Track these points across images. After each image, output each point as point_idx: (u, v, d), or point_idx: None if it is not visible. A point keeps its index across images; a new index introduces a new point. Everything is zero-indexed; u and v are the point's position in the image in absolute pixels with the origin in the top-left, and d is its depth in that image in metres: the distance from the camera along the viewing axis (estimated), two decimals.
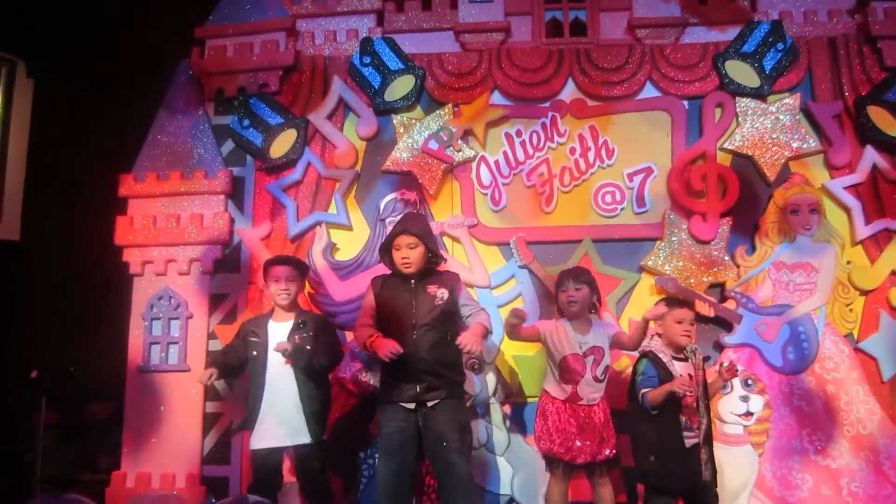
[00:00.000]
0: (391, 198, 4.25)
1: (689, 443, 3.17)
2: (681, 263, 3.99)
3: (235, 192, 4.35)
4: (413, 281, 3.33)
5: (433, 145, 4.22)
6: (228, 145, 4.42)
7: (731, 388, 3.78)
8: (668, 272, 3.98)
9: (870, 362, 3.85)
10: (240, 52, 4.45)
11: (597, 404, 3.38)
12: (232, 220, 4.30)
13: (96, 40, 4.59)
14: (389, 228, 4.22)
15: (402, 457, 3.23)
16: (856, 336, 3.89)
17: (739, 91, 4.10)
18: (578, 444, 3.30)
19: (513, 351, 4.00)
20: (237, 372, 3.68)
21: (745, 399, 3.78)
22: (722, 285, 3.99)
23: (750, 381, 3.81)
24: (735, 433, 3.76)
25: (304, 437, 3.41)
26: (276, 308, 3.64)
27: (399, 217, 4.18)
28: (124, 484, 4.08)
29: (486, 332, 3.24)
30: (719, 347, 3.92)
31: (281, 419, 3.42)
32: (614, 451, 3.38)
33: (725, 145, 4.09)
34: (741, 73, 4.11)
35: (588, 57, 4.23)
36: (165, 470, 4.07)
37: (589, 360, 3.39)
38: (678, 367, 3.26)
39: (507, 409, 3.97)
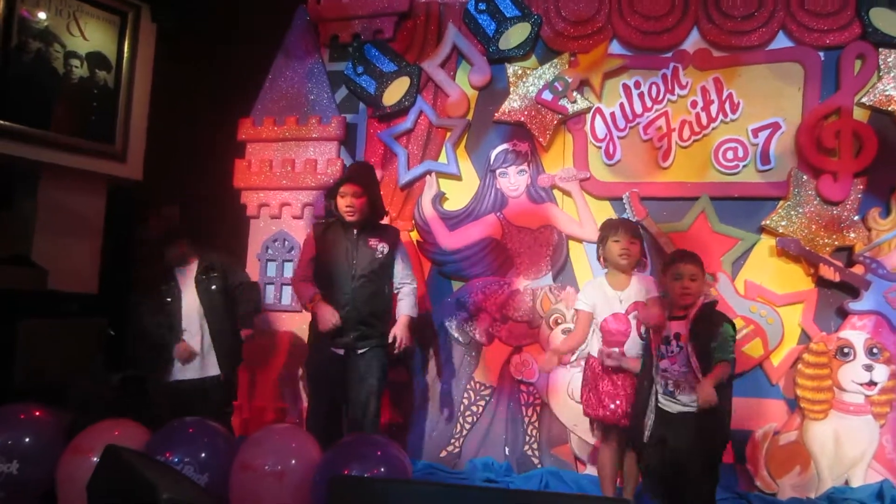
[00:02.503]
0: (502, 148, 4.18)
1: (670, 408, 2.84)
2: (806, 225, 3.75)
3: (348, 139, 4.39)
4: (355, 231, 3.38)
5: (547, 96, 4.09)
6: (342, 92, 4.44)
7: (855, 356, 3.60)
8: (791, 234, 3.78)
9: None
10: None
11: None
12: (345, 167, 4.35)
13: None
14: (500, 179, 4.20)
15: (329, 398, 3.41)
16: None
17: (885, 42, 3.74)
18: (626, 408, 3.08)
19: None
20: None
21: (868, 368, 3.58)
22: (850, 249, 3.74)
23: (875, 350, 3.61)
24: (855, 402, 3.58)
25: (214, 370, 3.64)
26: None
27: (508, 167, 4.15)
28: (241, 414, 4.29)
29: (413, 321, 3.47)
30: (843, 314, 3.71)
31: (197, 353, 3.64)
32: None
33: (864, 100, 3.76)
34: (889, 21, 3.74)
35: (716, 3, 3.95)
36: (278, 404, 4.25)
37: (632, 317, 3.14)
38: (672, 327, 2.92)
39: None
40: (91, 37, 4.63)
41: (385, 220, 3.73)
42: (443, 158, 4.26)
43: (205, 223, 4.44)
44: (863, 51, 3.80)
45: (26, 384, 3.88)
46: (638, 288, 3.20)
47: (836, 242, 3.74)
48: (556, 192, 4.10)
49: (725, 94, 3.95)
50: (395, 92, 4.29)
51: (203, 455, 3.09)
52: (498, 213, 4.18)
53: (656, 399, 2.89)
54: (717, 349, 2.78)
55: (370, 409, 3.36)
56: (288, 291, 4.36)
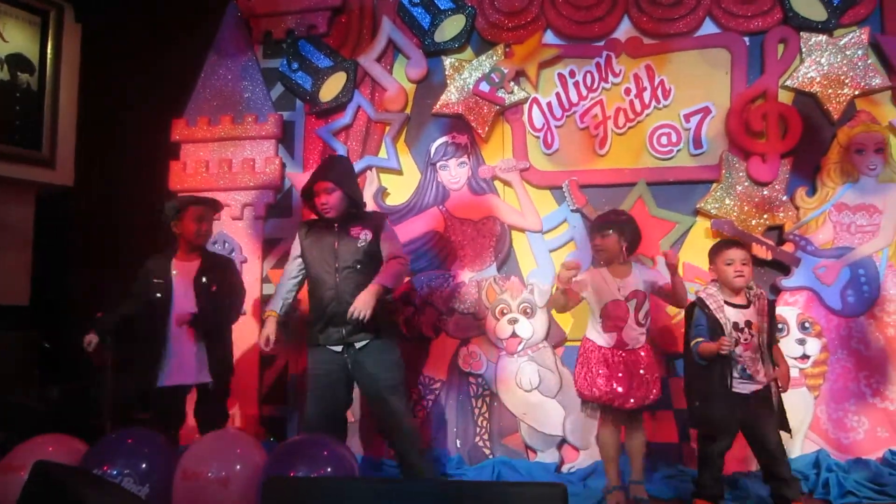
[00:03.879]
0: (442, 141, 4.18)
1: (745, 389, 3.04)
2: (738, 206, 3.87)
3: (286, 137, 4.32)
4: (337, 224, 3.29)
5: (484, 87, 4.10)
6: (278, 89, 4.36)
7: (788, 332, 3.73)
8: (724, 215, 3.88)
9: None
10: None
11: (641, 347, 3.28)
12: (283, 165, 4.29)
13: None
14: (440, 172, 4.19)
15: (331, 398, 3.23)
16: None
17: (805, 25, 3.88)
18: (628, 389, 3.21)
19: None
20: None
21: (801, 342, 3.72)
22: (780, 228, 3.86)
23: (807, 325, 3.74)
24: (790, 376, 3.71)
25: (206, 377, 3.46)
26: (182, 247, 3.56)
27: (448, 160, 4.15)
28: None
29: (384, 291, 3.17)
30: (776, 290, 3.83)
31: (185, 358, 3.44)
32: (659, 394, 3.29)
33: (788, 83, 3.89)
34: (807, 5, 3.88)
35: None
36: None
37: (631, 304, 3.27)
38: (731, 314, 3.10)
39: (560, 352, 3.97)
40: (11, 38, 4.43)
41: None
42: (383, 153, 4.23)
43: (140, 228, 4.30)
44: (785, 35, 3.92)
45: None
46: (638, 278, 3.32)
47: (767, 222, 3.86)
48: (497, 183, 4.11)
49: (657, 80, 4.03)
50: (331, 88, 4.24)
51: (143, 466, 2.99)
52: (440, 206, 4.17)
53: (732, 381, 3.03)
54: (774, 334, 3.16)
55: (392, 406, 3.19)
56: None
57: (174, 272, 3.48)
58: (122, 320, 3.52)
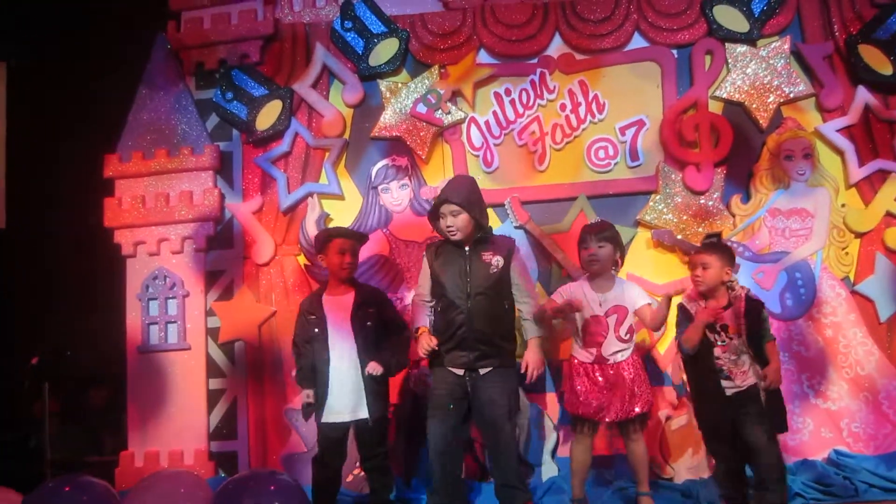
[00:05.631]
0: (382, 164, 4.15)
1: (728, 391, 3.06)
2: (676, 216, 3.93)
3: (224, 167, 4.24)
4: (467, 248, 3.24)
5: (421, 109, 4.10)
6: (213, 120, 4.28)
7: None
8: (664, 225, 3.95)
9: (867, 304, 3.82)
10: (217, 23, 4.27)
11: (625, 360, 3.29)
12: (222, 196, 4.20)
13: (66, 17, 4.43)
14: (382, 196, 4.18)
15: (453, 418, 3.21)
16: (852, 279, 3.85)
17: (728, 37, 3.97)
18: (607, 401, 3.23)
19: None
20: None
21: None
22: (718, 235, 3.92)
23: None
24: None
25: (364, 413, 3.34)
26: (332, 282, 3.49)
27: (390, 183, 4.17)
28: (133, 463, 4.06)
29: (543, 341, 3.31)
30: None
31: (344, 393, 3.35)
32: (646, 408, 3.29)
33: (717, 93, 3.97)
34: (730, 17, 3.98)
35: (573, 9, 4.08)
36: (173, 447, 4.05)
37: (611, 319, 3.28)
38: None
39: None
40: None
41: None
42: (323, 179, 4.17)
43: (75, 266, 4.23)
44: (711, 47, 4.01)
45: None
46: (620, 293, 3.31)
47: (705, 230, 3.88)
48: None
49: (591, 95, 4.08)
50: (267, 116, 4.18)
51: None
52: (384, 230, 4.14)
53: (719, 384, 3.06)
54: (765, 334, 3.11)
55: (503, 433, 3.15)
56: (174, 329, 4.15)
57: (326, 307, 3.42)
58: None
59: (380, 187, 4.17)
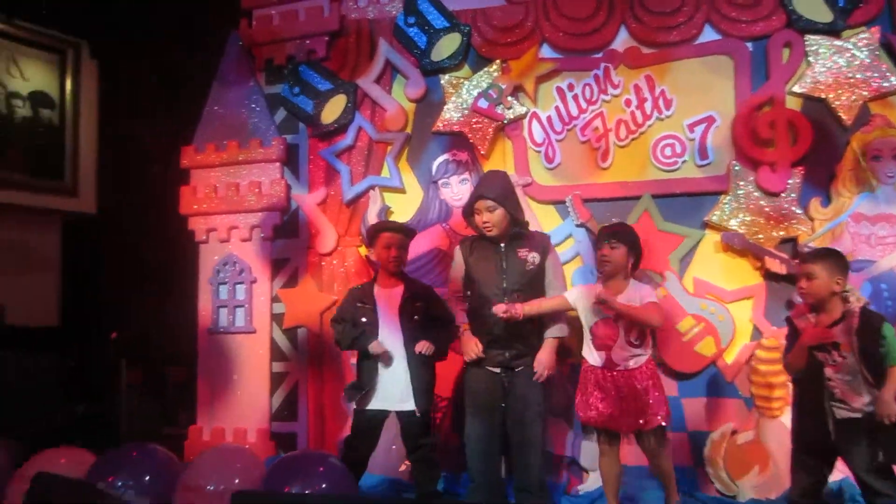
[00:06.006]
0: (443, 159, 4.16)
1: (839, 414, 2.77)
2: (748, 218, 3.70)
3: (290, 160, 4.37)
4: (503, 245, 3.19)
5: (483, 104, 4.08)
6: (281, 113, 4.42)
7: None
8: (734, 227, 3.74)
9: None
10: (286, 20, 4.39)
11: (637, 369, 3.08)
12: (289, 187, 4.34)
13: (150, 17, 4.71)
14: (442, 190, 4.21)
15: (490, 415, 3.18)
16: None
17: (810, 28, 3.70)
18: (618, 411, 3.06)
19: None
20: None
21: None
22: (794, 240, 3.66)
23: None
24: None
25: (410, 405, 3.35)
26: (381, 274, 3.49)
27: (450, 177, 4.19)
28: (200, 437, 4.30)
29: (561, 343, 3.21)
30: (792, 306, 3.66)
31: (390, 384, 3.36)
32: (663, 420, 3.07)
33: (795, 88, 3.71)
34: (811, 7, 3.69)
35: (640, 2, 3.91)
36: (238, 425, 4.25)
37: (621, 323, 3.07)
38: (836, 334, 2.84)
39: (565, 371, 3.92)
40: (31, 77, 4.70)
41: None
42: (385, 173, 4.22)
43: (158, 250, 4.51)
44: (789, 39, 3.74)
45: None
46: (631, 295, 3.12)
47: (780, 234, 3.68)
48: None
49: (658, 90, 3.90)
50: (332, 110, 4.27)
51: (146, 478, 3.14)
52: (444, 224, 4.15)
53: (830, 406, 2.79)
54: (887, 356, 2.73)
55: (532, 430, 3.12)
56: (241, 313, 4.36)
57: (377, 299, 3.45)
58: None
59: (440, 182, 4.19)
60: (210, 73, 4.47)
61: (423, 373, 3.37)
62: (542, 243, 3.26)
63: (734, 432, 3.63)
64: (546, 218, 4.02)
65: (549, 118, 4.06)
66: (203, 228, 4.43)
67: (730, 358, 3.72)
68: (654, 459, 3.15)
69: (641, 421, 3.06)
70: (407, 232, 3.56)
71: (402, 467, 4.01)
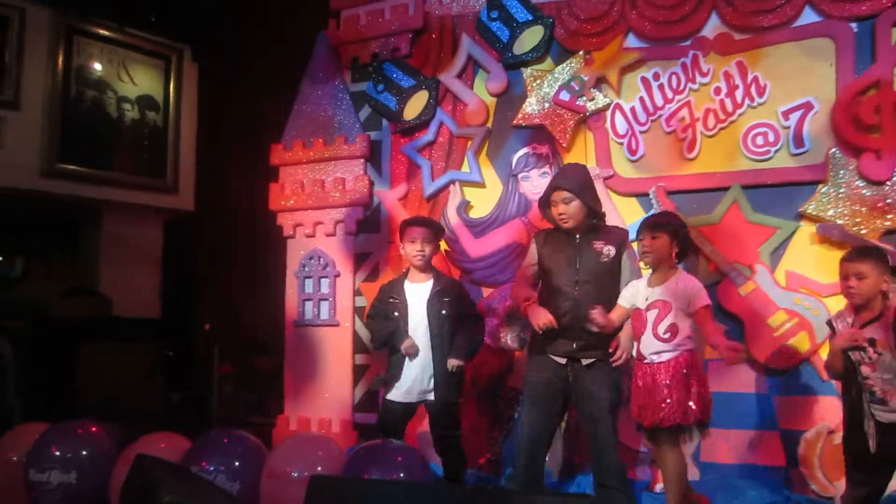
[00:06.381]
0: (523, 152, 4.14)
1: (882, 417, 2.64)
2: (848, 208, 3.48)
3: (373, 156, 4.47)
4: (578, 236, 3.14)
5: (565, 96, 4.03)
6: (365, 111, 4.53)
7: None
8: (831, 218, 3.52)
9: None
10: (372, 19, 4.51)
11: (662, 364, 2.94)
12: (371, 183, 4.43)
13: (246, 22, 4.97)
14: (522, 184, 4.19)
15: (546, 408, 3.12)
16: None
17: None
18: (644, 404, 2.96)
19: None
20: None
21: None
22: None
23: None
24: None
25: (431, 397, 3.41)
26: (411, 269, 3.55)
27: (530, 171, 4.18)
28: (287, 426, 4.43)
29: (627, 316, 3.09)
30: None
31: (418, 376, 3.42)
32: (677, 419, 2.89)
33: None
34: None
35: None
36: (322, 415, 4.37)
37: (651, 314, 2.97)
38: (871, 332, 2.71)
39: None
40: (139, 81, 5.06)
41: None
42: (465, 167, 4.25)
43: (254, 245, 4.72)
44: None
45: (88, 401, 4.25)
46: (669, 287, 3.01)
47: (885, 224, 3.43)
48: None
49: (750, 77, 3.74)
50: (414, 106, 4.34)
51: (236, 464, 3.27)
52: (523, 218, 4.12)
53: (869, 407, 2.69)
54: None
55: (604, 428, 3.05)
56: (326, 306, 4.50)
57: (407, 293, 3.50)
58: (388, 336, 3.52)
59: (520, 175, 4.17)
60: (300, 74, 4.65)
61: (447, 368, 3.39)
62: (620, 237, 3.19)
63: (830, 432, 3.42)
64: (628, 211, 3.93)
65: (632, 109, 3.97)
66: (290, 224, 4.60)
67: (825, 354, 3.50)
68: (660, 457, 3.03)
69: (660, 416, 2.93)
70: (434, 227, 3.60)
71: (482, 460, 4.01)
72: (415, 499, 1.91)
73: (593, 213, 3.17)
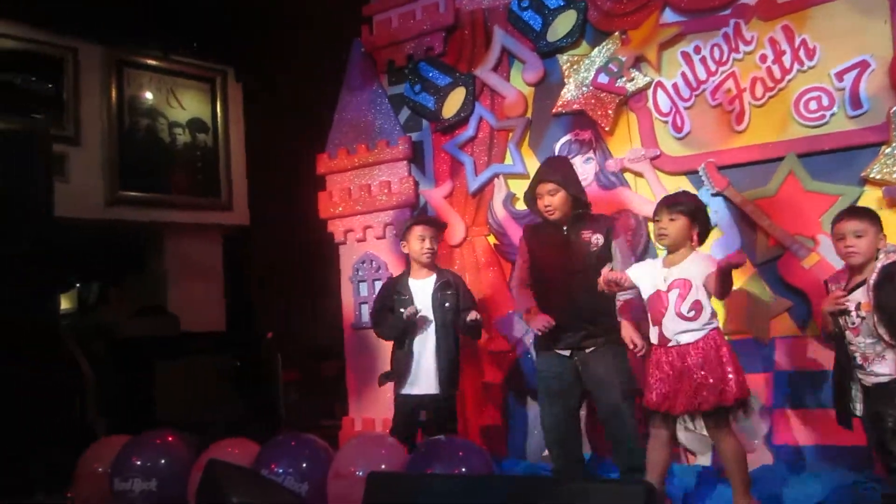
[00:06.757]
0: (565, 140, 4.08)
1: (866, 380, 2.65)
2: None
3: (416, 156, 4.50)
4: (566, 227, 3.19)
5: (603, 79, 3.95)
6: (405, 112, 4.56)
7: None
8: None
9: None
10: (403, 21, 4.53)
11: (692, 344, 2.85)
12: (416, 183, 4.47)
13: (282, 38, 5.09)
14: None
15: (563, 400, 3.19)
16: None
17: None
18: (672, 390, 2.85)
19: None
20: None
21: None
22: None
23: None
24: None
25: (436, 389, 3.53)
26: (415, 266, 3.67)
27: (573, 158, 4.12)
28: (353, 428, 4.52)
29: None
30: None
31: (424, 370, 3.55)
32: (721, 400, 2.79)
33: None
34: None
35: None
36: (386, 416, 4.35)
37: (672, 294, 2.89)
38: (855, 294, 2.70)
39: None
40: (188, 105, 5.26)
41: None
42: (508, 160, 4.22)
43: (309, 254, 4.84)
44: None
45: (164, 414, 4.47)
46: (688, 266, 2.95)
47: None
48: (627, 174, 3.95)
49: (798, 40, 3.56)
50: (452, 103, 4.35)
51: (303, 466, 3.37)
52: None
53: (854, 372, 2.72)
54: None
55: (620, 413, 3.10)
56: None
57: (412, 288, 3.64)
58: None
59: None
60: (339, 83, 4.74)
61: (449, 355, 3.52)
62: (607, 225, 3.23)
63: None
64: (678, 189, 3.83)
65: (674, 85, 3.86)
66: (341, 230, 4.69)
67: None
68: (718, 444, 2.92)
69: (697, 401, 2.82)
70: (438, 225, 3.79)
71: (545, 452, 3.99)
72: (472, 492, 1.93)
73: (579, 202, 3.21)
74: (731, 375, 2.82)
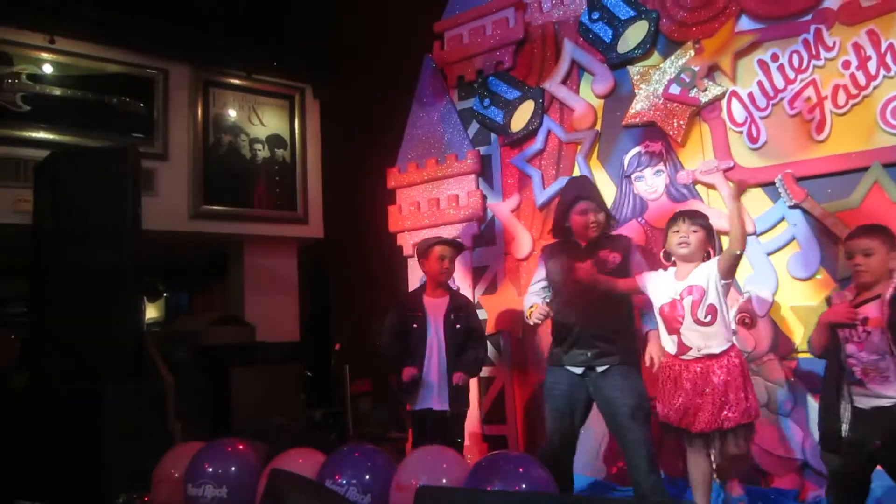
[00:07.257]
0: (634, 152, 4.04)
1: (863, 403, 2.53)
2: None
3: (484, 170, 4.55)
4: (585, 246, 3.23)
5: (675, 90, 3.91)
6: (474, 126, 4.64)
7: None
8: None
9: None
10: (474, 36, 4.62)
11: (717, 360, 2.80)
12: (484, 197, 4.52)
13: (357, 55, 5.28)
14: (636, 184, 4.08)
15: (569, 419, 3.20)
16: None
17: None
18: (693, 406, 2.78)
19: (791, 301, 3.59)
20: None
21: None
22: None
23: None
24: None
25: (447, 405, 3.63)
26: (430, 284, 3.79)
27: (643, 170, 4.06)
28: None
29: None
30: None
31: (435, 385, 3.65)
32: (744, 418, 2.75)
33: None
34: None
35: None
36: None
37: (686, 301, 2.89)
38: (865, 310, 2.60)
39: (792, 364, 3.57)
40: (268, 122, 5.52)
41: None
42: (576, 172, 4.20)
43: (381, 267, 4.96)
44: None
45: (239, 421, 4.64)
46: (697, 273, 2.97)
47: None
48: (699, 187, 3.88)
49: (885, 45, 3.41)
50: (521, 117, 4.38)
51: (366, 477, 3.43)
52: (639, 219, 4.02)
53: (848, 389, 2.61)
54: None
55: (631, 434, 3.06)
56: None
57: (427, 307, 3.74)
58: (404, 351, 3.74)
59: (633, 176, 4.07)
60: (410, 98, 4.86)
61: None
62: (625, 245, 3.28)
63: None
64: (753, 202, 3.71)
65: (750, 95, 3.76)
66: (409, 244, 4.77)
67: None
68: (736, 464, 2.91)
69: (720, 418, 2.78)
70: (457, 245, 3.88)
71: (615, 469, 3.92)
72: None
73: (609, 222, 3.30)
74: (751, 394, 2.85)
